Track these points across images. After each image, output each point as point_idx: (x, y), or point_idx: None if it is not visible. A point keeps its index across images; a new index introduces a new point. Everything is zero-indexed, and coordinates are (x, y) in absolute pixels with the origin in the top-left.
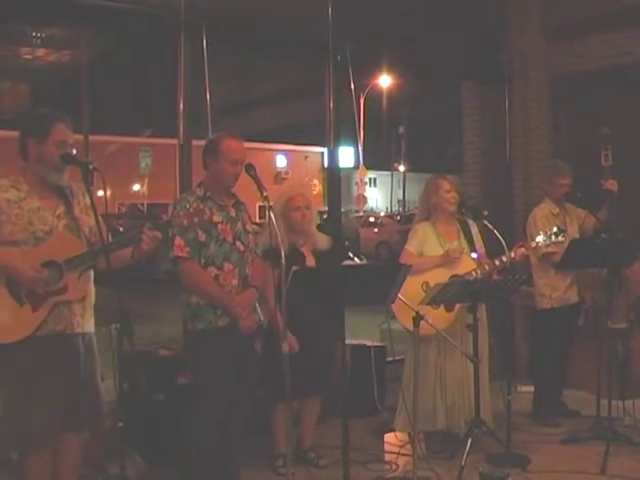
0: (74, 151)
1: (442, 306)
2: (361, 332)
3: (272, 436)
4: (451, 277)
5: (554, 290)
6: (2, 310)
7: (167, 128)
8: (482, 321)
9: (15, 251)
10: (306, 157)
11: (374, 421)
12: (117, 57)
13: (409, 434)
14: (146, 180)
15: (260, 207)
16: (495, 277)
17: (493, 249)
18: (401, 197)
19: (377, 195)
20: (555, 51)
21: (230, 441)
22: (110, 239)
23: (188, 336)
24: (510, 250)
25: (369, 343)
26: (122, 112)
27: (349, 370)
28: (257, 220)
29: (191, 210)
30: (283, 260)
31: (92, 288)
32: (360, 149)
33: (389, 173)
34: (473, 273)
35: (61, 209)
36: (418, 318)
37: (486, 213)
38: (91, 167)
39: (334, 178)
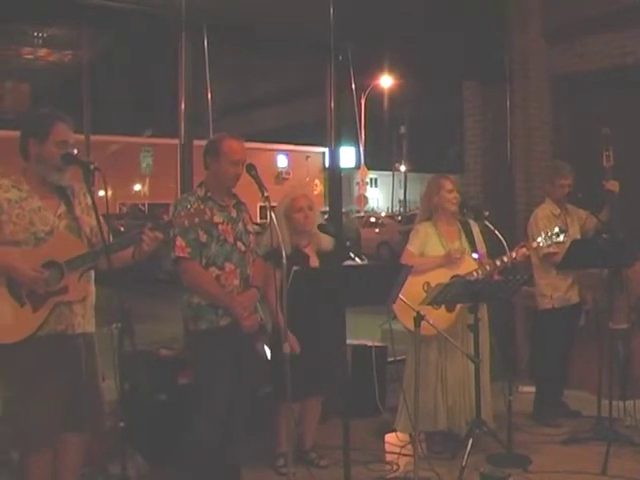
0: (75, 151)
1: (443, 306)
2: (362, 332)
3: (274, 436)
4: (452, 277)
5: (555, 290)
6: (2, 310)
7: (168, 128)
8: (483, 321)
9: (16, 251)
10: (307, 157)
11: (375, 421)
12: (118, 57)
13: (410, 434)
14: (147, 180)
15: (261, 207)
16: (496, 277)
17: (494, 249)
18: (402, 197)
19: (378, 195)
20: (556, 51)
21: (231, 441)
22: (111, 239)
23: (189, 336)
24: (511, 250)
25: (370, 343)
26: (123, 112)
27: (350, 370)
28: (258, 220)
29: (192, 210)
30: (284, 261)
31: (93, 288)
32: (361, 149)
33: (390, 173)
34: (474, 273)
35: (62, 209)
36: (419, 318)
37: (487, 213)
38: (92, 167)
39: (335, 178)
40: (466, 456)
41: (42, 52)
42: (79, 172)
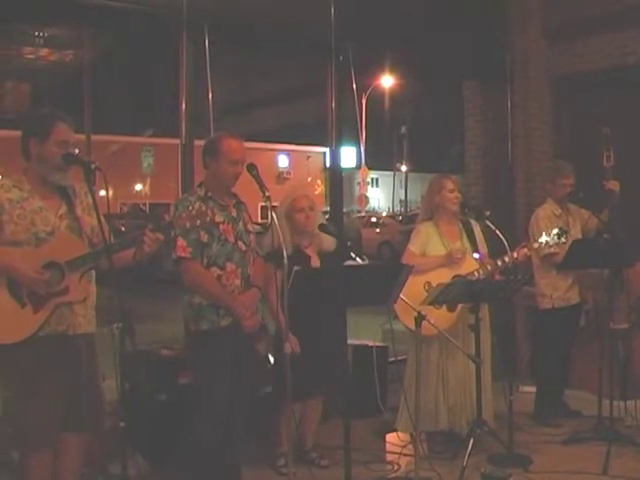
0: (76, 151)
1: (444, 306)
2: (363, 332)
3: (274, 436)
4: (453, 277)
5: (555, 290)
6: (3, 311)
7: (169, 128)
8: (484, 321)
9: (16, 251)
10: (308, 157)
11: (376, 421)
12: (119, 57)
13: (411, 434)
14: (148, 180)
15: (262, 207)
16: (497, 277)
17: (495, 249)
18: (403, 197)
19: (379, 195)
20: (556, 51)
21: (231, 441)
22: (112, 239)
23: (190, 336)
24: (512, 250)
25: (371, 343)
26: (124, 112)
27: (351, 370)
28: (259, 220)
29: (193, 212)
30: (285, 261)
31: (94, 289)
32: (362, 149)
33: (391, 173)
34: (475, 273)
35: (63, 209)
36: (420, 318)
37: (488, 213)
38: (93, 167)
39: (336, 178)
40: (467, 456)
41: (43, 52)
42: (80, 172)
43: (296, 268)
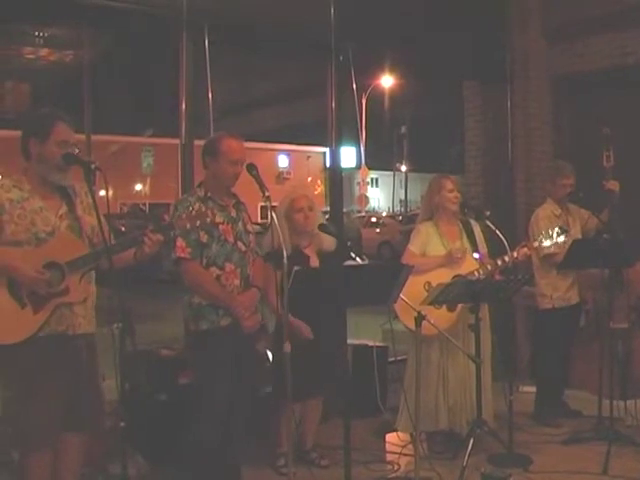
0: (76, 151)
1: (444, 306)
2: (363, 332)
3: (274, 436)
4: (453, 277)
5: (555, 290)
6: (3, 311)
7: (169, 128)
8: (484, 321)
9: (17, 252)
10: (308, 157)
11: (376, 421)
12: (119, 57)
13: (411, 434)
14: (148, 180)
15: (262, 207)
16: (497, 277)
17: (495, 249)
18: (403, 197)
19: (379, 195)
20: (556, 51)
21: (231, 441)
22: (112, 239)
23: (190, 336)
24: (512, 250)
25: (371, 343)
26: (124, 112)
27: (351, 370)
28: (259, 220)
29: (193, 213)
30: (285, 261)
31: (94, 289)
32: (362, 149)
33: (391, 173)
34: (475, 273)
35: (64, 209)
36: (420, 318)
37: (488, 213)
38: (93, 167)
39: (336, 178)
40: (467, 456)
41: (43, 52)
42: (80, 172)
43: (296, 268)
